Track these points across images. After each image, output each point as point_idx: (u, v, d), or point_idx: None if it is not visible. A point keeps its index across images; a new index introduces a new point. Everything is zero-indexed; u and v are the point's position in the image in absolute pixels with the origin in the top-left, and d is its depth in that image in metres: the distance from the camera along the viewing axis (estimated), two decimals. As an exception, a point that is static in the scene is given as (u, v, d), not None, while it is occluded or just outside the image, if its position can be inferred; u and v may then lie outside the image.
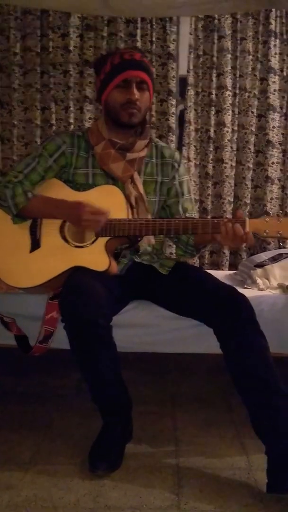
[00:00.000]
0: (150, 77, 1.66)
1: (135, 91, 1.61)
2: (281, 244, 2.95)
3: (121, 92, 1.62)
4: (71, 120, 3.07)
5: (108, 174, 1.70)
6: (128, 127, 1.67)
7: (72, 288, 1.49)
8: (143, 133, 1.72)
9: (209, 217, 3.10)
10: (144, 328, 1.80)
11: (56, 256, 1.63)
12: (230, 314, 1.51)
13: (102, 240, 1.60)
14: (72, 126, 3.07)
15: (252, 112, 3.06)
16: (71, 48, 3.03)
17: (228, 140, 3.06)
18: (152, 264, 1.72)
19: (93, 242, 1.61)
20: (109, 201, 1.60)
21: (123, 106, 1.62)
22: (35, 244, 1.66)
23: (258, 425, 1.47)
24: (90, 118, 3.07)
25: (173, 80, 3.05)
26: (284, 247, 2.91)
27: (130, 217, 1.62)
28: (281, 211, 3.05)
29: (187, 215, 1.79)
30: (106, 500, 1.39)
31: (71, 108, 3.07)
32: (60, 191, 1.67)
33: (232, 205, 3.11)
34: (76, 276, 1.54)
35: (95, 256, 1.59)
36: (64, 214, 1.61)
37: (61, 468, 1.55)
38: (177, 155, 1.83)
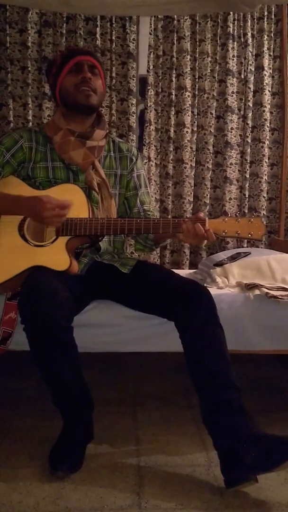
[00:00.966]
0: (100, 64, 1.72)
1: (87, 71, 1.67)
2: (239, 244, 3.02)
3: (74, 75, 1.67)
4: (30, 117, 3.01)
5: (68, 166, 1.68)
6: (86, 110, 1.69)
7: (31, 288, 1.46)
8: (100, 124, 1.76)
9: (169, 217, 3.12)
10: (105, 327, 1.79)
11: (15, 255, 1.59)
12: (191, 304, 1.54)
13: (63, 239, 1.58)
14: (30, 123, 3.01)
15: (211, 114, 3.11)
16: (29, 44, 2.98)
17: (188, 140, 3.09)
18: (113, 263, 1.71)
19: (53, 241, 1.59)
20: (70, 200, 1.59)
21: (78, 86, 1.66)
22: (-7, 243, 1.62)
23: (208, 419, 1.49)
24: (48, 115, 3.02)
25: (133, 80, 3.05)
26: (242, 247, 2.97)
27: (91, 216, 1.60)
28: (239, 212, 3.11)
29: (144, 207, 1.83)
30: (66, 502, 1.37)
31: (30, 105, 3.01)
32: (18, 189, 1.64)
33: (192, 204, 3.14)
34: (36, 276, 1.51)
35: (56, 256, 1.57)
36: (24, 210, 1.58)
37: (20, 471, 1.52)
38: (134, 149, 1.87)
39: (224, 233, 1.51)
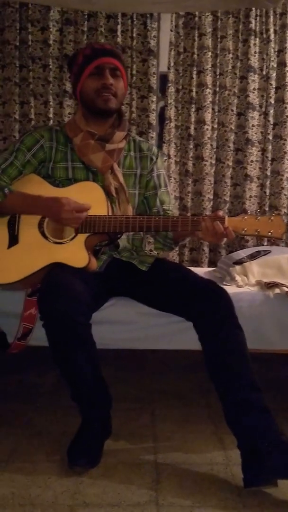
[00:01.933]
0: (123, 65, 1.68)
1: (109, 76, 1.63)
2: (259, 242, 2.98)
3: (95, 79, 1.64)
4: (51, 115, 3.04)
5: (88, 167, 1.69)
6: (105, 114, 1.68)
7: (50, 285, 1.48)
8: (120, 125, 1.73)
9: (189, 214, 3.11)
10: (123, 324, 1.80)
11: (35, 252, 1.61)
12: (209, 306, 1.53)
13: (82, 237, 1.59)
14: (51, 121, 3.04)
15: (232, 110, 3.08)
16: (51, 42, 3.00)
17: (208, 137, 3.08)
18: (131, 260, 1.72)
19: (72, 239, 1.60)
20: (89, 198, 1.60)
21: (98, 92, 1.64)
22: (13, 240, 1.64)
23: (231, 419, 1.48)
24: (69, 113, 3.04)
25: (153, 77, 3.04)
26: (262, 245, 2.94)
27: (110, 213, 1.61)
28: (259, 210, 3.09)
29: (164, 207, 1.82)
30: (84, 497, 1.38)
31: (51, 103, 3.03)
32: (39, 187, 1.65)
33: (211, 202, 3.13)
34: (55, 273, 1.52)
35: (75, 253, 1.58)
36: (43, 211, 1.60)
37: (39, 465, 1.54)
38: (154, 148, 1.85)
39: (243, 231, 1.50)
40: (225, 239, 1.52)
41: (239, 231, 1.50)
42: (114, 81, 1.65)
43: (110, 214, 1.61)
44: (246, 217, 1.50)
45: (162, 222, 1.56)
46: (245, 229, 1.50)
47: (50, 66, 3.01)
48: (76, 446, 1.54)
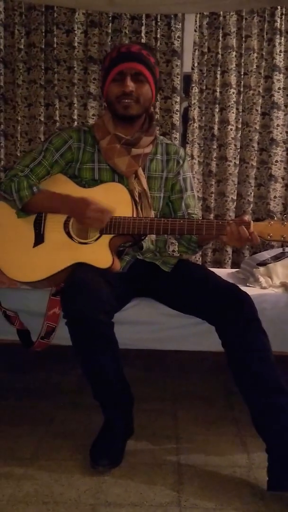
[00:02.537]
0: (148, 68, 1.63)
1: (129, 82, 1.61)
2: (284, 247, 2.95)
3: (117, 85, 1.63)
4: (75, 117, 3.07)
5: (114, 170, 1.70)
6: (127, 119, 1.67)
7: (74, 284, 1.49)
8: (149, 130, 1.72)
9: (212, 215, 3.10)
10: (146, 325, 1.80)
11: (60, 251, 1.63)
12: (232, 312, 1.51)
13: (106, 238, 1.60)
14: (75, 122, 3.07)
15: (256, 110, 3.06)
16: (76, 44, 3.03)
17: (232, 138, 3.06)
18: (154, 261, 1.72)
19: (97, 239, 1.61)
20: (115, 199, 1.61)
21: (118, 98, 1.63)
22: (39, 239, 1.66)
23: (259, 424, 1.47)
24: (93, 115, 3.06)
25: (177, 77, 3.04)
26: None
27: (135, 215, 1.62)
28: (285, 211, 3.05)
29: (189, 211, 1.81)
30: (106, 496, 1.39)
31: (75, 105, 3.07)
32: (65, 187, 1.67)
33: (235, 203, 3.11)
34: (79, 273, 1.54)
35: (99, 253, 1.59)
36: (69, 210, 1.61)
37: (62, 464, 1.55)
38: (182, 151, 1.83)
39: (269, 237, 1.49)
40: (250, 244, 1.50)
41: (264, 236, 1.49)
42: (137, 86, 1.62)
43: (135, 215, 1.61)
44: (272, 222, 1.49)
45: (187, 225, 1.56)
46: (271, 234, 1.48)
47: (75, 68, 3.04)
48: (98, 446, 1.55)
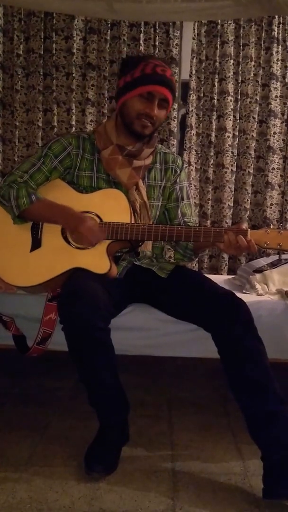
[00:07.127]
0: (173, 95, 1.65)
1: (156, 106, 1.61)
2: (280, 254, 2.95)
3: (143, 102, 1.60)
4: (73, 123, 3.08)
5: (113, 180, 1.70)
6: (138, 137, 1.66)
7: (71, 290, 1.49)
8: (150, 142, 1.73)
9: (208, 222, 3.11)
10: (142, 331, 1.80)
11: (57, 256, 1.63)
12: (228, 318, 1.51)
13: (104, 243, 1.60)
14: (73, 128, 3.07)
15: (253, 118, 3.08)
16: (74, 50, 3.05)
17: (229, 145, 3.07)
18: (151, 267, 1.72)
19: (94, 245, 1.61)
20: (113, 205, 1.62)
21: (140, 116, 1.61)
22: (36, 244, 1.66)
23: (254, 431, 1.47)
24: (91, 121, 3.07)
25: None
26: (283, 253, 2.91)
27: (133, 221, 1.62)
28: (281, 224, 3.06)
29: (185, 219, 1.81)
30: (101, 503, 1.38)
31: (73, 111, 3.08)
32: (63, 192, 1.67)
33: (232, 210, 3.12)
34: (76, 278, 1.54)
35: (96, 259, 1.59)
36: (64, 220, 1.62)
37: (56, 470, 1.55)
38: (179, 161, 1.84)
39: (266, 245, 1.50)
40: (247, 252, 1.51)
41: (261, 244, 1.50)
42: (158, 111, 1.63)
43: (132, 222, 1.62)
44: (269, 230, 1.50)
45: (185, 232, 1.56)
46: (267, 242, 1.50)
47: (74, 74, 3.06)
48: (93, 452, 1.54)
